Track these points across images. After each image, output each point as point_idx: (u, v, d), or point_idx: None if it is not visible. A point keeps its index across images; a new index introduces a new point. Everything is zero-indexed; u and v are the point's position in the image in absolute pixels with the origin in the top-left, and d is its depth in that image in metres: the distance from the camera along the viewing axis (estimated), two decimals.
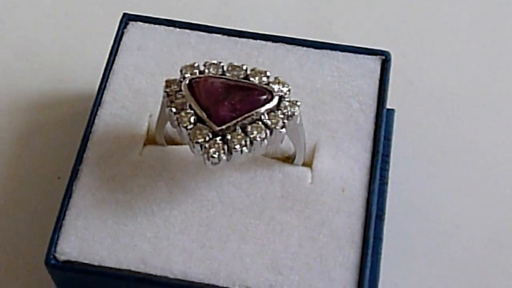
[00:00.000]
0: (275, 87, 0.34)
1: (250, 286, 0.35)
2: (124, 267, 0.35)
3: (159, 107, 0.36)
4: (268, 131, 0.34)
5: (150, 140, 0.39)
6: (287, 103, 0.34)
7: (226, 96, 0.34)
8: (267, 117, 0.34)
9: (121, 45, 0.42)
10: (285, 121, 0.34)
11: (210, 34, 0.42)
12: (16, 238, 0.42)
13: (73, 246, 0.36)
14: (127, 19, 0.43)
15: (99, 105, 0.40)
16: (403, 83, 0.48)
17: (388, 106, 0.42)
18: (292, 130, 0.35)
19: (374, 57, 0.42)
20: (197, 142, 0.33)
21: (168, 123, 0.36)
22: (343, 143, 0.39)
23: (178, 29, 0.43)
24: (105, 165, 0.38)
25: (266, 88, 0.34)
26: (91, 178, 0.38)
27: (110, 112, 0.40)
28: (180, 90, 0.35)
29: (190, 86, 0.34)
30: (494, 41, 0.50)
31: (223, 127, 0.33)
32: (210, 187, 0.37)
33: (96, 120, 0.39)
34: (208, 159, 0.33)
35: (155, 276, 0.35)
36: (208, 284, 0.35)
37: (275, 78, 0.35)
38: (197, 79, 0.34)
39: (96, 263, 0.35)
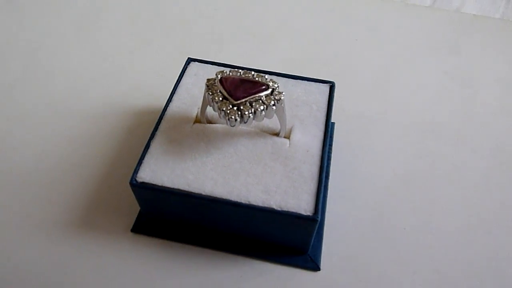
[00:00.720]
0: (270, 83, 0.30)
1: (250, 201, 0.30)
2: (176, 187, 0.30)
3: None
4: (264, 106, 0.29)
5: (197, 121, 0.35)
6: (277, 93, 0.30)
7: (241, 85, 0.30)
8: (264, 99, 0.30)
9: (185, 73, 0.38)
10: (275, 102, 0.30)
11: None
12: (120, 172, 0.38)
13: (147, 174, 0.31)
14: (189, 60, 0.39)
15: (170, 101, 0.36)
16: (339, 110, 0.43)
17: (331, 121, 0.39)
18: (279, 110, 0.31)
19: (326, 84, 0.37)
20: (222, 110, 0.29)
21: (208, 109, 0.32)
22: (308, 127, 0.34)
23: (217, 66, 0.38)
24: (170, 132, 0.33)
25: (265, 83, 0.30)
26: (161, 139, 0.33)
27: (175, 105, 0.35)
28: (215, 83, 0.30)
29: (220, 80, 0.30)
30: (393, 87, 0.46)
31: (238, 102, 0.29)
32: (230, 146, 0.32)
33: (167, 109, 0.35)
34: (229, 120, 0.29)
35: (194, 193, 0.30)
36: (225, 199, 0.30)
37: (270, 79, 0.30)
38: (225, 77, 0.30)
39: (160, 184, 0.30)
